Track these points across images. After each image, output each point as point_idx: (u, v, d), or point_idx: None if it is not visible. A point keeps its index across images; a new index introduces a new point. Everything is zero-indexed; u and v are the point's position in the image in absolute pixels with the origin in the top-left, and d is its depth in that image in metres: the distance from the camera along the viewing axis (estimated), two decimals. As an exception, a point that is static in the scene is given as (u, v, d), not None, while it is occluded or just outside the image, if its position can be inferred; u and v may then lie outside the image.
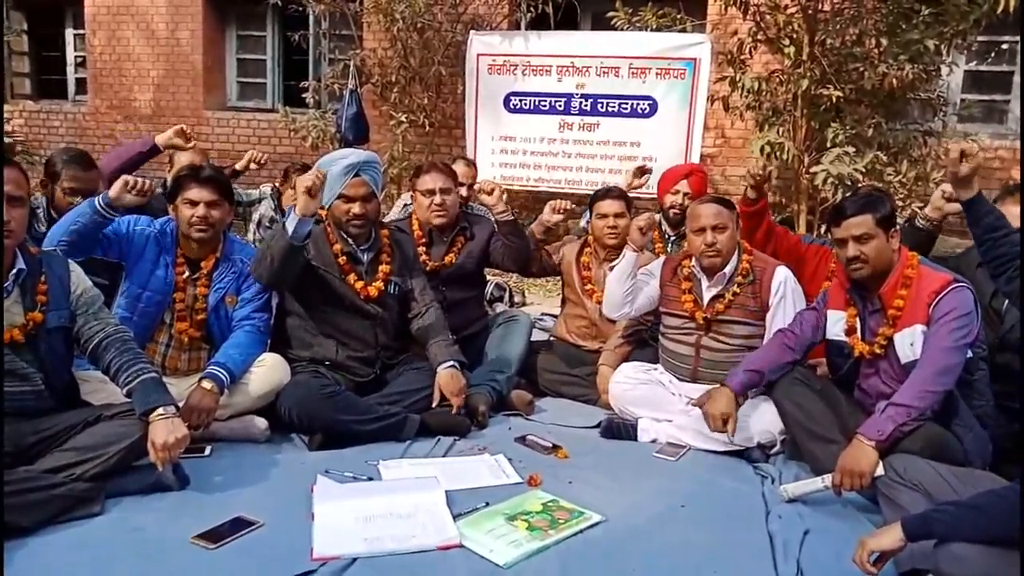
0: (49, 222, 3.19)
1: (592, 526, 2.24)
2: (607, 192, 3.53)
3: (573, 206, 3.71)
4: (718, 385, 2.74)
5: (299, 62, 7.82)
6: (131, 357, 2.40)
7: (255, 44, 8.08)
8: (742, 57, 5.25)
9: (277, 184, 4.45)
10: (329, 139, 6.34)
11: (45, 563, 1.97)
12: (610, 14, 5.69)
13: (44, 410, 2.37)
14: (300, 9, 6.60)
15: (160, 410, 2.30)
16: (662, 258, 3.23)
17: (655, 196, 3.96)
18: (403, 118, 6.30)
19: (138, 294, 2.80)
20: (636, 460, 2.76)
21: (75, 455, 2.25)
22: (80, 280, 2.48)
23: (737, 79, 5.13)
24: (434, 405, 2.93)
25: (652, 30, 5.53)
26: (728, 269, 2.96)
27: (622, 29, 5.66)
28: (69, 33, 8.61)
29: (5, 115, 8.16)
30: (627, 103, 5.63)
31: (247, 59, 8.15)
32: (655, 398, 3.01)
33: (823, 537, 2.19)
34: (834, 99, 4.82)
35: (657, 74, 5.54)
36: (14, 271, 2.32)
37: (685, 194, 3.67)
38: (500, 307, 3.86)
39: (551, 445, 2.84)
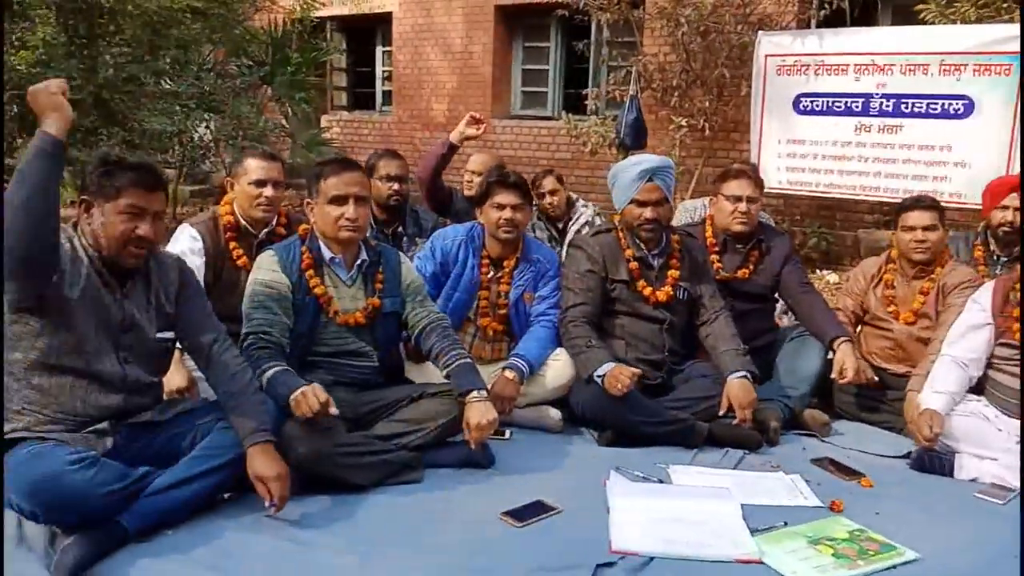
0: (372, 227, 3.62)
1: (906, 563, 2.07)
2: (916, 202, 3.21)
3: None
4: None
5: (578, 71, 8.10)
6: (450, 343, 2.66)
7: (538, 55, 8.49)
8: (1086, 48, 4.52)
9: None
10: (607, 144, 6.48)
11: (375, 519, 2.24)
12: (918, 7, 5.19)
13: (376, 384, 2.70)
14: (585, 19, 6.82)
15: (475, 393, 2.51)
16: (990, 284, 2.84)
17: (977, 207, 3.52)
18: (683, 122, 6.27)
19: (450, 294, 3.08)
20: (954, 499, 2.49)
21: (403, 426, 2.54)
22: (409, 271, 2.80)
23: (1078, 73, 4.43)
24: (721, 414, 2.88)
25: (971, 22, 4.96)
26: (1079, 293, 2.57)
27: (933, 23, 5.14)
28: (378, 50, 9.69)
29: (326, 123, 9.38)
30: (936, 103, 5.09)
31: (531, 69, 8.60)
32: (977, 432, 2.67)
33: None
34: None
35: (975, 71, 4.95)
36: (359, 261, 2.68)
37: (1015, 209, 3.22)
38: (787, 320, 3.67)
39: (853, 471, 2.66)
